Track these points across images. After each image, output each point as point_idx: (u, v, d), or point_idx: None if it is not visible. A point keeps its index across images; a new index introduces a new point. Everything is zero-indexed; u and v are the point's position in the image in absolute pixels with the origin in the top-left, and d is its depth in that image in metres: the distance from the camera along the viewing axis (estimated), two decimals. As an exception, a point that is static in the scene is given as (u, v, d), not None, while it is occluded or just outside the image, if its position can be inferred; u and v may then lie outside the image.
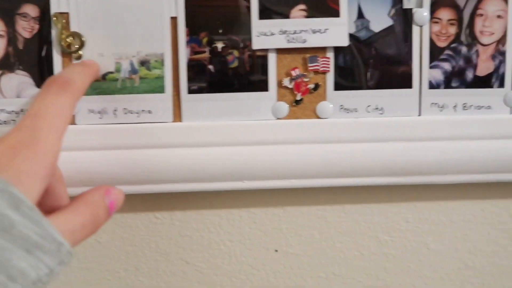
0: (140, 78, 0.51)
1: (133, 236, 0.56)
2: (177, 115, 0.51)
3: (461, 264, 0.58)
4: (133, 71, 0.51)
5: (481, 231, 0.58)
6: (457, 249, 0.58)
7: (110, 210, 0.39)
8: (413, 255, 0.58)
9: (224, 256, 0.57)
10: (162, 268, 0.57)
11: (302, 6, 0.51)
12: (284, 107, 0.52)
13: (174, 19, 0.50)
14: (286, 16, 0.51)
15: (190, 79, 0.51)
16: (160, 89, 0.51)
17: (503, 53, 0.52)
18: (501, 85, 0.53)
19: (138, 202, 0.55)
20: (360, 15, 0.52)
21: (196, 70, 0.51)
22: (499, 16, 0.52)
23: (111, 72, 0.50)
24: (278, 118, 0.52)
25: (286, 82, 0.52)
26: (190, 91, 0.51)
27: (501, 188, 0.57)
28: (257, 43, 0.51)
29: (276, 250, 0.57)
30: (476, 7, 0.52)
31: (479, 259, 0.58)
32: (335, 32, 0.51)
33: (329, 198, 0.56)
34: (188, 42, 0.51)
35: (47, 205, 0.38)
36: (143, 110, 0.51)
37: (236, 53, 0.51)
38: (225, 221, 0.56)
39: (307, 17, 0.51)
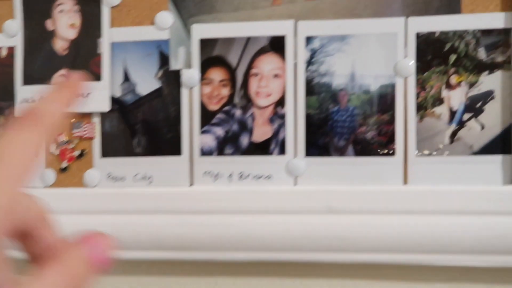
0: None
1: None
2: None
3: None
4: None
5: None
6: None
7: (96, 265, 0.29)
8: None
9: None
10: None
11: (65, 71, 0.47)
12: (51, 174, 0.48)
13: None
14: (49, 81, 0.47)
15: (-40, 146, 0.49)
16: None
17: (282, 116, 0.44)
18: (282, 151, 0.44)
19: None
20: (126, 77, 0.47)
21: (-35, 137, 0.49)
22: (276, 76, 0.44)
23: None
24: (45, 186, 0.48)
25: (52, 148, 0.48)
26: (-40, 158, 0.49)
27: (294, 267, 0.48)
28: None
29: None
30: (250, 66, 0.45)
31: None
32: (97, 96, 0.46)
33: (120, 270, 0.51)
34: (-42, 109, 0.49)
35: (33, 252, 0.30)
36: None
37: (1, 120, 0.48)
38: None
39: (70, 81, 0.47)
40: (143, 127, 0.46)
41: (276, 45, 0.44)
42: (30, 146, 0.28)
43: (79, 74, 0.34)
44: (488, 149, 0.41)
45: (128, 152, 0.47)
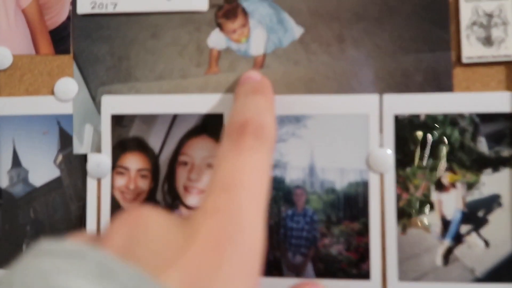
0: None
1: None
2: None
3: None
4: None
5: None
6: None
7: None
8: None
9: None
10: None
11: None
12: None
13: None
14: None
15: None
16: None
17: (218, 221, 0.33)
18: (218, 269, 0.33)
19: None
20: (16, 162, 0.35)
21: None
22: (211, 166, 0.33)
23: None
24: None
25: None
26: None
27: None
28: None
29: None
30: (177, 153, 0.34)
31: None
32: (-26, 188, 0.35)
33: None
34: None
35: None
36: None
37: None
38: None
39: None
40: (36, 228, 0.34)
41: (212, 125, 0.33)
42: (266, 167, 0.24)
43: (258, 73, 0.31)
44: (495, 274, 0.30)
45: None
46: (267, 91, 0.28)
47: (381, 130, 0.31)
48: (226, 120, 0.33)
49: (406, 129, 0.31)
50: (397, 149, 0.31)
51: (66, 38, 0.35)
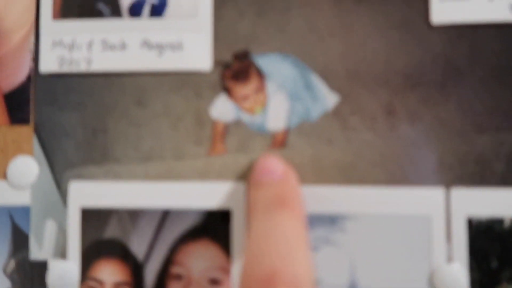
0: None
1: None
2: None
3: None
4: None
5: None
6: None
7: None
8: None
9: None
10: None
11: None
12: None
13: None
14: None
15: None
16: None
17: None
18: None
19: None
20: (-47, 270, 0.27)
21: None
22: (214, 282, 0.25)
23: None
24: None
25: None
26: None
27: None
28: None
29: None
30: (168, 262, 0.25)
31: None
32: None
33: None
34: None
35: None
36: None
37: None
38: None
39: None
40: None
41: (215, 226, 0.24)
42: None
43: (278, 161, 0.23)
44: None
45: None
46: (294, 198, 0.20)
47: (449, 238, 0.23)
48: (234, 220, 0.24)
49: (484, 237, 0.23)
50: (473, 265, 0.23)
51: (25, 104, 0.26)
